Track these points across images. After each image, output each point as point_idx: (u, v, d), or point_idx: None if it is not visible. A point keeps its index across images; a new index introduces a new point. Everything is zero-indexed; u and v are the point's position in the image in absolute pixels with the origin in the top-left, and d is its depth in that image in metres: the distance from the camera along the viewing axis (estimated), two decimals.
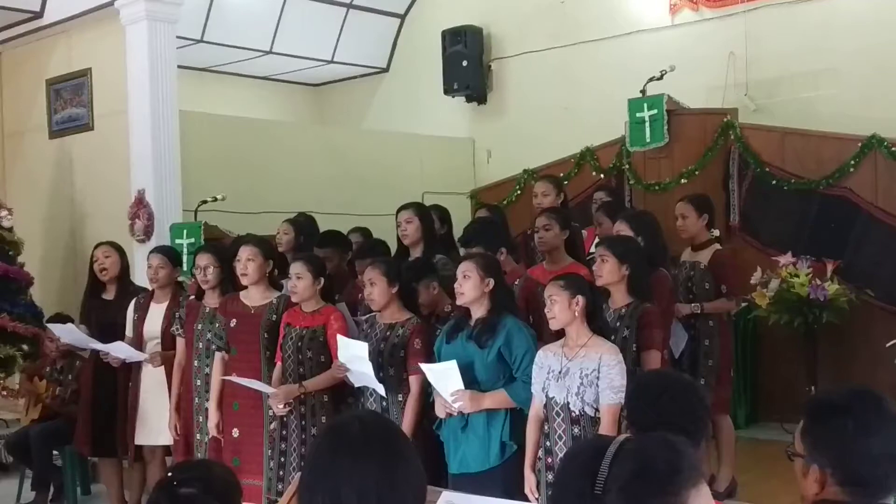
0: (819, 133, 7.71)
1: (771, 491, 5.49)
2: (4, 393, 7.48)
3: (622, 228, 4.97)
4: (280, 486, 4.60)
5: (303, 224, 6.36)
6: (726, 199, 7.79)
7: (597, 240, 5.96)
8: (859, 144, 7.33)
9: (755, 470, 5.95)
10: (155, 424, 5.57)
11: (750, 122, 8.13)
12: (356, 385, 4.54)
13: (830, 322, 6.80)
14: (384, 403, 4.48)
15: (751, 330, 7.49)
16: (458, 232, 6.33)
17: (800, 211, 7.60)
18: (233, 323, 4.92)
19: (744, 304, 6.75)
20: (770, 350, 7.56)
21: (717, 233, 6.00)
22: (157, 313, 5.60)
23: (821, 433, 2.06)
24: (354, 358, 4.38)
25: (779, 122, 8.08)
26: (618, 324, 4.23)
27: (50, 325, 6.11)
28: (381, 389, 4.38)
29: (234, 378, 4.73)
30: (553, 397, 3.87)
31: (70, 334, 5.78)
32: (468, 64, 10.26)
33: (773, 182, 7.70)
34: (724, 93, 8.66)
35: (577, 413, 3.80)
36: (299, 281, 4.68)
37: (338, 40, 11.04)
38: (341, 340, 4.49)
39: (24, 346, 7.43)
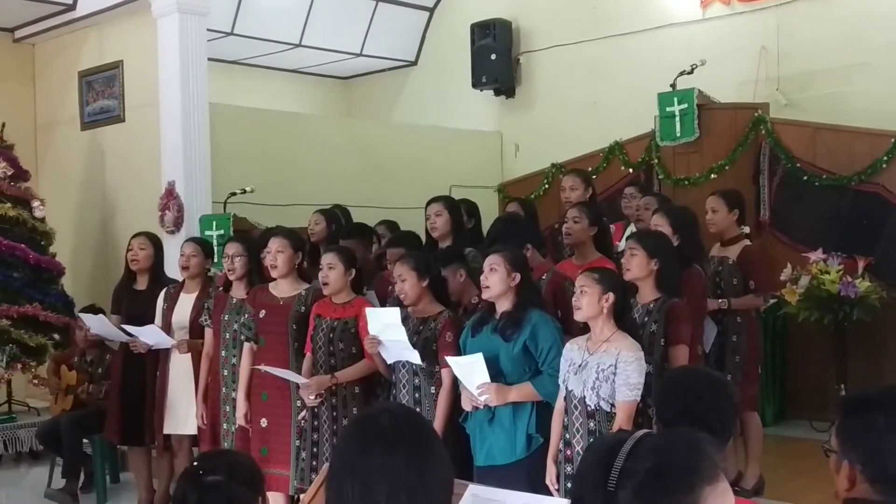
0: (851, 128, 7.63)
1: (799, 489, 5.46)
2: (35, 381, 7.57)
3: (660, 223, 4.92)
4: (313, 476, 4.62)
5: (334, 214, 6.39)
6: (756, 195, 7.74)
7: (628, 231, 5.96)
8: (893, 140, 7.24)
9: (783, 468, 5.92)
10: (182, 414, 5.63)
11: (781, 117, 8.06)
12: (389, 361, 4.53)
13: (861, 319, 6.72)
14: (416, 395, 4.49)
15: (780, 327, 7.43)
16: (485, 226, 6.36)
17: (831, 207, 7.53)
18: (262, 314, 4.95)
19: (773, 301, 6.70)
20: (799, 347, 7.50)
21: (747, 229, 5.96)
22: (186, 303, 5.66)
23: (852, 429, 2.04)
24: (386, 327, 4.38)
25: (810, 116, 8.00)
26: (646, 318, 4.22)
27: (81, 315, 6.18)
28: (416, 358, 4.35)
29: (268, 368, 4.76)
30: (571, 390, 3.89)
31: (100, 325, 5.84)
32: (497, 57, 10.23)
33: (805, 178, 7.63)
34: (756, 87, 8.59)
35: (593, 407, 3.81)
36: (331, 271, 4.70)
37: (367, 33, 11.05)
38: (370, 312, 4.50)
39: (55, 336, 7.51)
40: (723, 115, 7.91)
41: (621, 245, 5.71)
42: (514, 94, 10.51)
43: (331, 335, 4.71)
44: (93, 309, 6.51)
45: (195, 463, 2.42)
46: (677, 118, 7.67)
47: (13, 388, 7.77)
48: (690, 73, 7.73)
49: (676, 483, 1.48)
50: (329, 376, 4.63)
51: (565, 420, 3.93)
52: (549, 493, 3.80)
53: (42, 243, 7.66)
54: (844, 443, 2.04)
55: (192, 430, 5.57)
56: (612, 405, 3.77)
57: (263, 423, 4.90)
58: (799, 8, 8.54)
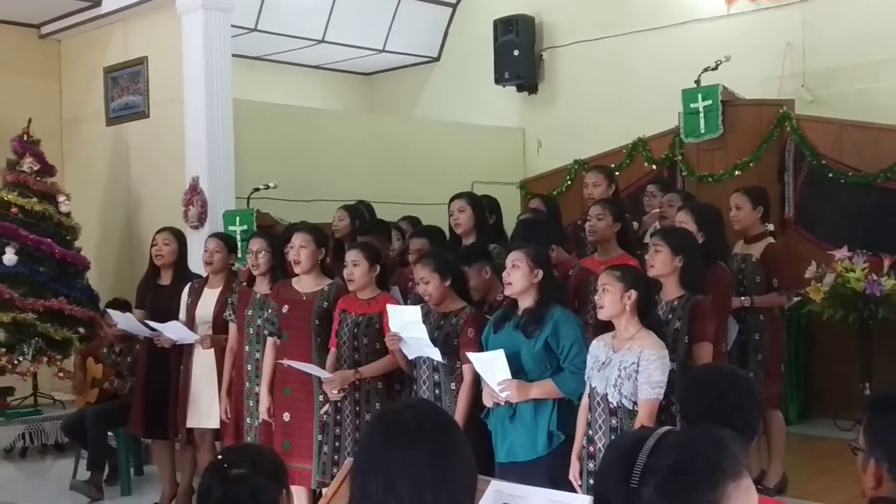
0: (878, 125, 7.57)
1: (822, 488, 5.43)
2: (61, 375, 7.65)
3: (685, 220, 4.91)
4: (335, 470, 4.65)
5: (358, 210, 6.41)
6: (781, 192, 7.69)
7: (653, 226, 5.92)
8: None
9: (806, 467, 5.89)
10: (205, 408, 5.66)
11: (806, 114, 8.01)
12: (410, 357, 4.54)
13: (886, 318, 6.67)
14: (437, 391, 4.49)
15: (804, 325, 7.39)
16: (507, 222, 6.36)
17: (857, 204, 7.47)
18: (285, 309, 4.97)
19: (797, 299, 6.67)
20: (824, 345, 7.46)
21: (771, 227, 5.94)
22: (210, 298, 5.69)
23: (880, 427, 2.03)
24: (407, 325, 4.40)
25: (836, 113, 7.95)
26: (669, 316, 4.21)
27: (109, 311, 6.23)
28: (436, 355, 4.37)
29: (291, 362, 4.78)
30: (595, 387, 3.88)
31: (126, 321, 5.88)
32: (520, 53, 10.23)
33: (830, 175, 7.58)
34: (781, 83, 8.53)
35: (615, 405, 3.80)
36: (356, 268, 4.71)
37: (389, 29, 11.08)
38: (392, 309, 4.51)
39: (81, 329, 7.59)
40: (747, 111, 7.87)
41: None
42: (536, 90, 10.51)
43: (355, 330, 4.72)
44: (118, 302, 6.55)
45: (220, 456, 2.44)
46: (701, 114, 7.63)
47: (39, 382, 7.86)
48: (715, 69, 7.69)
49: (700, 480, 1.47)
50: (352, 371, 4.65)
51: (588, 416, 3.93)
52: (571, 490, 3.80)
53: (68, 238, 7.75)
54: (871, 441, 2.03)
55: (215, 424, 5.60)
56: (634, 403, 3.76)
57: (286, 417, 4.93)
58: (824, 3, 8.48)
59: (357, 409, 4.70)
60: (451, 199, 5.70)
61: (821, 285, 6.74)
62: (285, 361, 4.82)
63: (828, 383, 7.36)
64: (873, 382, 6.68)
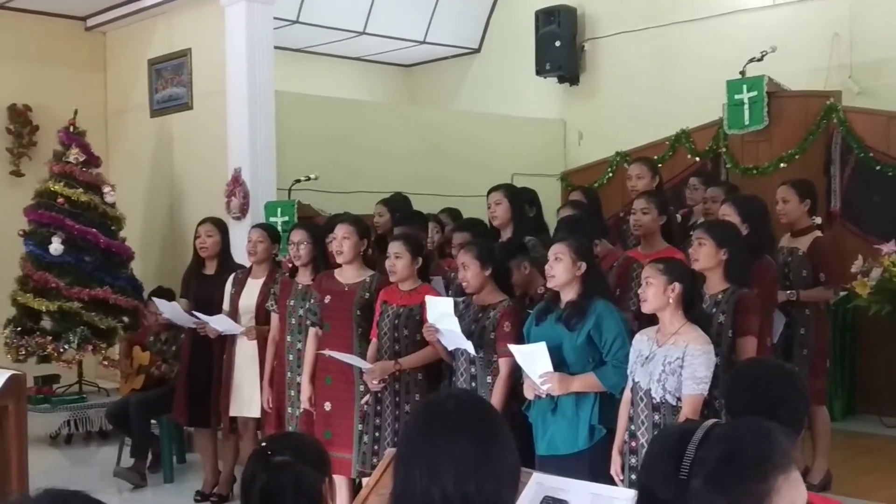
0: None
1: (867, 485, 5.36)
2: (105, 363, 7.74)
3: (729, 213, 4.86)
4: (375, 460, 4.66)
5: (397, 203, 6.42)
6: (827, 185, 7.58)
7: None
8: None
9: (851, 463, 5.82)
10: (248, 397, 5.71)
11: (853, 105, 7.88)
12: (449, 347, 4.55)
13: None
14: (473, 384, 4.49)
15: (850, 320, 7.28)
16: (547, 214, 6.34)
17: None
18: (327, 299, 5.00)
19: (843, 294, 6.57)
20: (869, 341, 7.33)
21: (818, 220, 5.85)
22: (253, 288, 5.74)
23: None
24: (442, 316, 4.41)
25: (884, 105, 7.82)
26: (714, 309, 4.16)
27: (155, 299, 6.29)
28: (470, 348, 4.37)
29: (332, 353, 4.81)
30: (638, 382, 3.86)
31: (172, 310, 5.94)
32: (561, 44, 10.16)
33: (877, 167, 7.46)
34: (827, 75, 8.40)
35: (658, 400, 3.77)
36: (398, 260, 4.72)
37: (430, 21, 11.06)
38: (429, 300, 4.53)
39: (125, 319, 7.66)
40: (793, 102, 7.76)
41: None
42: (578, 81, 10.44)
43: (396, 321, 4.74)
44: (162, 290, 6.61)
45: (263, 444, 2.46)
46: (746, 106, 7.54)
47: (83, 370, 7.94)
48: (760, 60, 7.59)
49: (749, 471, 1.47)
50: (393, 362, 4.66)
51: (631, 411, 3.90)
52: (612, 484, 3.79)
53: (112, 228, 7.82)
54: None
55: (257, 413, 5.65)
56: (678, 398, 3.73)
57: (327, 406, 4.96)
58: None
59: (397, 399, 4.72)
60: (489, 192, 5.70)
61: (867, 280, 6.61)
62: (327, 352, 4.84)
63: (873, 379, 7.26)
64: None
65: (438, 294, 4.82)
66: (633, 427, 3.89)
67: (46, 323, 7.48)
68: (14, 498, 1.36)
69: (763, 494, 1.46)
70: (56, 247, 7.43)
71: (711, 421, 1.58)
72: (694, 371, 3.68)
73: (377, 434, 4.73)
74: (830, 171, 7.65)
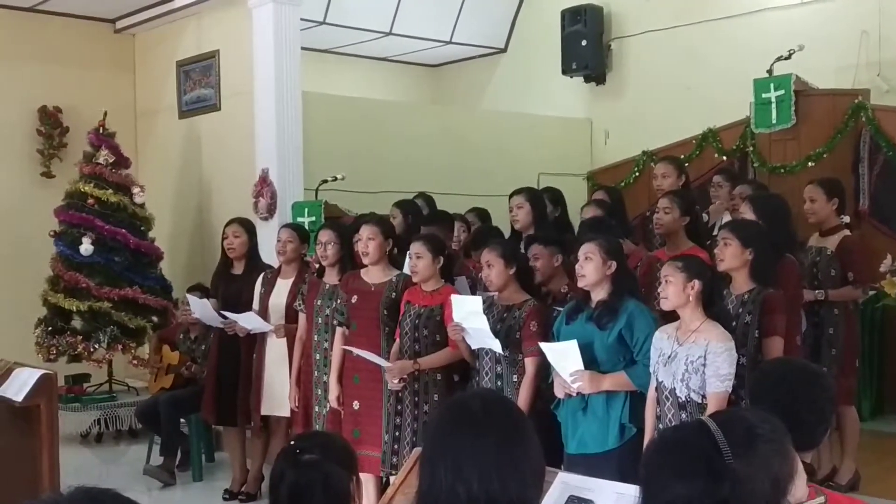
0: None
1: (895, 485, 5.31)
2: (135, 362, 7.80)
3: (745, 211, 4.85)
4: (395, 460, 4.70)
5: (412, 205, 6.43)
6: (855, 184, 7.52)
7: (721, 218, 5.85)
8: None
9: (880, 463, 5.78)
10: (278, 396, 5.75)
11: (882, 104, 7.80)
12: (474, 347, 4.55)
13: None
14: (498, 383, 4.50)
15: (879, 319, 7.22)
16: (572, 213, 6.33)
17: None
18: (353, 299, 5.02)
19: (872, 293, 6.51)
20: None
21: (847, 219, 5.81)
22: (283, 288, 5.78)
23: None
24: (469, 315, 4.41)
25: None
26: (740, 310, 4.16)
27: (188, 296, 6.32)
28: (497, 346, 4.38)
29: (355, 349, 4.84)
30: (662, 381, 3.85)
31: (202, 309, 5.99)
32: (587, 43, 10.14)
33: None
34: (856, 73, 8.33)
35: (684, 399, 3.77)
36: (419, 260, 4.74)
37: (456, 21, 11.07)
38: (455, 299, 4.53)
39: (154, 318, 7.71)
40: (821, 101, 7.70)
41: None
42: (604, 80, 10.41)
43: (416, 322, 4.76)
44: (200, 287, 6.63)
45: (292, 443, 2.49)
46: (773, 104, 7.48)
47: (113, 369, 8.00)
48: (788, 58, 7.54)
49: (777, 436, 1.56)
50: (412, 362, 4.68)
51: (658, 410, 3.90)
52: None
53: (142, 228, 7.85)
54: None
55: (288, 412, 5.69)
56: (703, 396, 3.73)
57: (356, 405, 4.98)
58: None
59: (416, 399, 4.74)
60: (511, 195, 5.72)
61: None
62: (351, 348, 4.87)
63: None
64: None
65: (460, 295, 4.82)
66: (661, 426, 3.88)
67: (77, 323, 7.53)
68: (46, 496, 1.37)
69: (791, 460, 1.54)
70: (86, 247, 7.48)
71: (699, 419, 1.64)
72: (717, 369, 3.67)
73: (397, 434, 4.75)
74: (859, 170, 7.58)
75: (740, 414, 1.57)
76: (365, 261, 5.03)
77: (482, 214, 6.60)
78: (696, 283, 3.76)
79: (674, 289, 3.78)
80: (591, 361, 4.07)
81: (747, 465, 1.48)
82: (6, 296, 8.32)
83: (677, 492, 1.53)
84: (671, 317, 3.94)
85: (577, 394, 4.10)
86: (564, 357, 4.07)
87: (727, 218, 5.88)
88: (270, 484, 2.40)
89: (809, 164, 7.48)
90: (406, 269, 4.94)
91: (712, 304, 3.82)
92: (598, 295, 4.15)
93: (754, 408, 2.84)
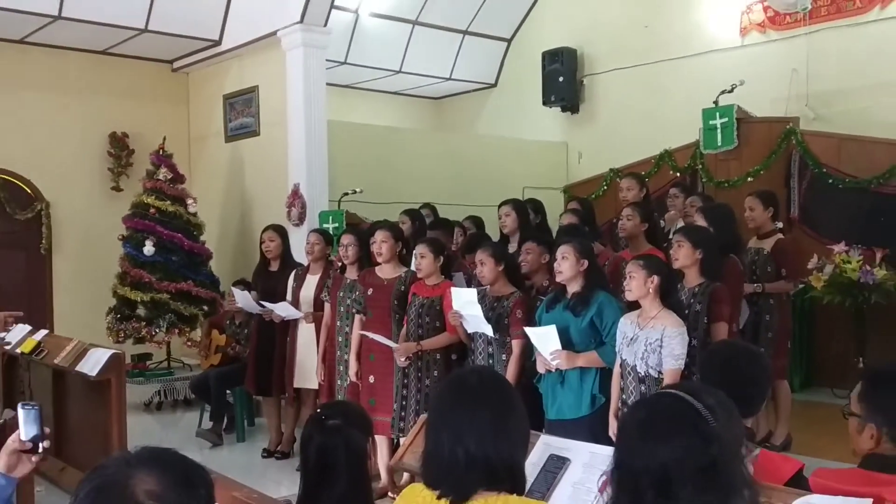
0: (872, 138, 7.35)
1: (822, 446, 5.28)
2: (189, 344, 7.80)
3: (698, 219, 4.84)
4: (402, 424, 4.70)
5: (417, 213, 6.44)
6: (787, 195, 7.51)
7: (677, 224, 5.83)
8: None
9: (808, 428, 5.75)
10: (308, 371, 5.74)
11: (810, 129, 7.80)
12: (470, 331, 4.55)
13: (878, 302, 6.50)
14: (490, 362, 4.49)
15: (807, 308, 7.22)
16: (552, 220, 6.31)
17: (853, 206, 7.27)
18: (369, 292, 5.02)
19: (801, 286, 6.51)
20: (824, 326, 7.27)
21: (780, 225, 5.80)
22: (311, 282, 5.77)
23: (877, 397, 1.99)
24: (466, 304, 4.41)
25: (836, 129, 7.73)
26: (691, 300, 4.14)
27: (233, 289, 6.31)
28: (489, 330, 4.39)
29: (368, 333, 4.84)
30: (625, 359, 3.85)
31: (244, 300, 5.98)
32: (564, 79, 10.13)
33: (830, 181, 7.39)
34: (787, 103, 8.31)
35: (643, 374, 3.76)
36: (423, 259, 4.74)
37: (455, 61, 11.07)
38: (454, 291, 4.53)
39: (204, 307, 7.72)
40: (759, 127, 7.70)
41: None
42: (578, 110, 10.39)
43: (420, 310, 4.76)
44: (242, 281, 6.63)
45: (318, 410, 2.48)
46: (719, 130, 7.49)
47: (171, 349, 8.03)
48: (731, 91, 7.53)
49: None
50: (415, 343, 4.68)
51: (622, 383, 3.89)
52: (609, 444, 3.77)
53: (194, 233, 7.86)
54: (869, 409, 1.99)
55: (316, 385, 5.67)
56: (660, 372, 3.72)
57: (371, 379, 4.98)
58: (825, 35, 8.24)
59: (420, 374, 4.74)
60: (500, 205, 5.72)
61: (822, 274, 6.57)
62: (365, 333, 4.87)
63: (827, 358, 7.19)
64: (866, 357, 6.51)
65: (458, 288, 4.80)
66: (624, 396, 3.88)
67: (141, 311, 7.54)
68: (118, 454, 1.36)
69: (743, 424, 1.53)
70: (149, 248, 7.50)
71: (665, 391, 1.57)
72: (672, 349, 3.67)
73: (404, 403, 4.75)
74: (790, 184, 7.57)
75: (697, 387, 1.54)
76: (379, 259, 5.03)
77: (477, 221, 6.58)
78: (655, 279, 3.75)
79: (636, 283, 3.77)
80: (567, 343, 4.06)
81: (727, 428, 1.45)
82: (83, 288, 8.34)
83: (667, 455, 1.44)
84: (634, 306, 3.93)
85: (556, 370, 4.09)
86: (545, 339, 4.06)
87: (680, 223, 5.87)
88: (301, 444, 2.38)
89: (749, 179, 7.48)
90: (413, 267, 4.93)
91: (668, 295, 3.81)
92: (573, 288, 4.14)
93: (703, 382, 2.83)
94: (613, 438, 3.82)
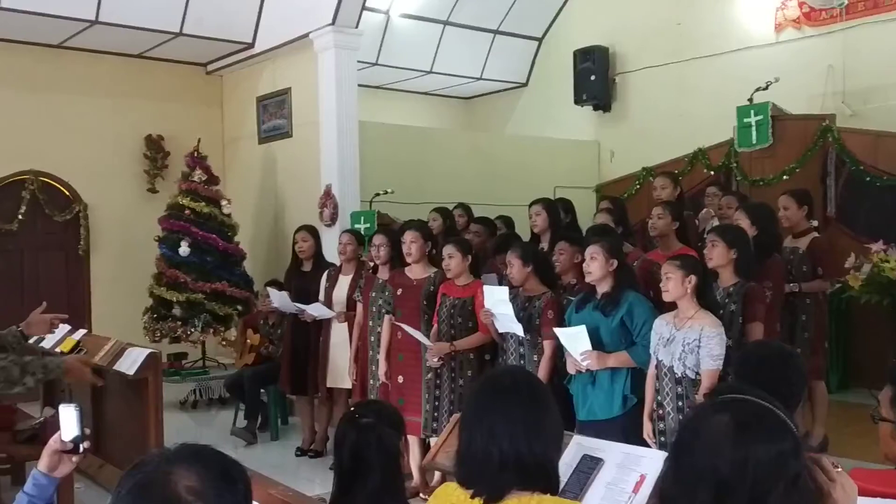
0: None
1: (859, 448, 5.19)
2: (223, 343, 7.87)
3: (740, 217, 4.78)
4: (434, 425, 4.71)
5: (447, 212, 6.47)
6: (824, 193, 7.41)
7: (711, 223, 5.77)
8: None
9: (845, 429, 5.66)
10: (341, 371, 5.77)
11: (846, 126, 7.68)
12: (500, 330, 4.55)
13: None
14: (521, 362, 4.48)
15: (844, 308, 7.12)
16: (584, 220, 6.29)
17: (891, 204, 7.16)
18: (399, 292, 5.04)
19: (838, 286, 6.41)
20: (861, 325, 7.15)
21: (815, 223, 5.72)
22: (344, 283, 5.80)
23: None
24: (498, 302, 4.42)
25: (872, 125, 7.61)
26: (726, 300, 4.10)
27: (269, 289, 6.36)
28: (519, 330, 4.38)
29: (404, 325, 4.82)
30: (661, 360, 3.82)
31: (280, 299, 6.02)
32: (595, 78, 10.08)
33: (867, 179, 7.27)
34: (823, 100, 8.20)
35: (680, 375, 3.73)
36: (451, 260, 4.76)
37: (486, 61, 11.06)
38: (487, 289, 4.54)
39: (239, 307, 7.78)
40: (794, 124, 7.60)
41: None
42: (610, 108, 10.33)
43: (452, 311, 4.76)
44: (275, 282, 6.69)
45: (352, 409, 2.51)
46: (753, 128, 7.41)
47: (206, 348, 8.09)
48: (765, 89, 7.44)
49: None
50: (448, 344, 4.69)
51: (657, 384, 3.87)
52: (641, 445, 3.75)
53: (228, 234, 7.92)
54: None
55: (349, 385, 5.71)
56: (697, 373, 3.69)
57: (400, 379, 4.98)
58: (863, 31, 8.10)
59: (453, 374, 4.74)
60: (530, 204, 5.71)
61: (859, 274, 6.46)
62: (402, 325, 4.84)
63: (864, 358, 7.07)
64: None
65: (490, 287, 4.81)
66: (659, 398, 3.85)
67: (177, 310, 7.60)
68: (158, 450, 1.38)
69: None
70: (184, 249, 7.57)
71: (738, 397, 1.48)
72: (710, 350, 3.64)
73: (437, 403, 4.76)
74: (826, 182, 7.47)
75: (762, 394, 1.46)
76: (408, 260, 5.04)
77: (507, 221, 6.59)
78: (693, 278, 3.73)
79: (674, 283, 3.75)
80: (597, 343, 4.05)
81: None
82: (121, 289, 8.45)
83: (766, 454, 1.36)
84: (664, 306, 3.91)
85: (586, 370, 4.08)
86: (575, 340, 4.05)
87: (715, 222, 5.81)
88: (335, 442, 2.40)
89: (784, 177, 7.39)
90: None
91: (703, 295, 3.78)
92: (603, 288, 4.13)
93: (738, 383, 2.80)
94: (648, 440, 3.82)
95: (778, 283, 4.58)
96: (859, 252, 6.63)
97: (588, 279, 4.17)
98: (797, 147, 7.50)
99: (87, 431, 2.02)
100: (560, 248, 4.77)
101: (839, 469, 1.46)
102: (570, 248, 4.73)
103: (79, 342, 5.40)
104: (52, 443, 1.98)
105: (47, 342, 5.38)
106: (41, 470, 1.96)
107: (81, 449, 1.99)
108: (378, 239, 5.37)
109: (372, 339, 5.35)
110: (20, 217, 8.27)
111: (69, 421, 1.98)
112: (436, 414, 4.74)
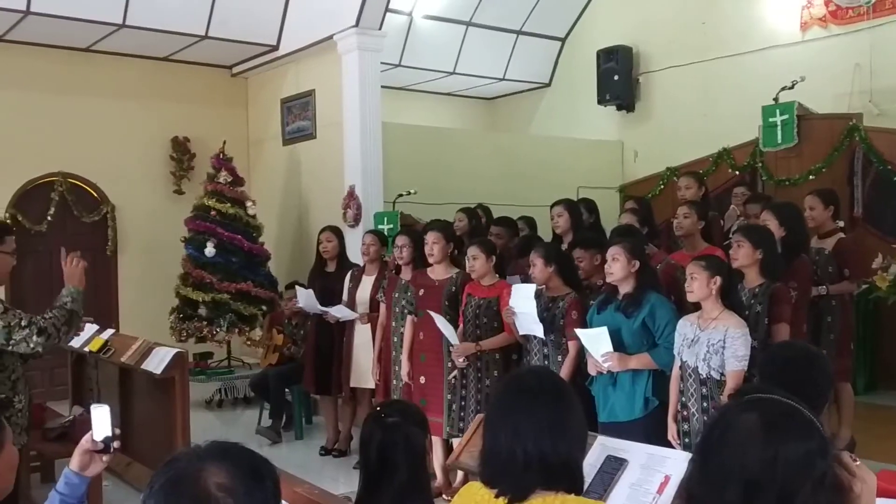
0: None
1: (886, 450, 5.16)
2: (248, 342, 7.93)
3: (768, 218, 4.73)
4: (461, 424, 4.71)
5: (474, 212, 6.48)
6: (850, 193, 7.32)
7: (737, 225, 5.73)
8: None
9: (872, 431, 5.61)
10: (365, 371, 5.80)
11: (874, 126, 7.58)
12: (521, 332, 4.55)
13: None
14: (545, 362, 4.48)
15: (871, 309, 7.01)
16: (608, 220, 6.27)
17: None
18: (421, 292, 5.05)
19: (865, 286, 6.33)
20: (889, 327, 7.06)
21: (841, 223, 5.66)
22: (367, 283, 5.82)
23: None
24: (524, 300, 4.42)
25: None
26: (752, 301, 4.07)
27: (297, 288, 6.38)
28: (540, 331, 4.39)
29: (434, 314, 4.78)
30: (686, 361, 3.80)
31: (306, 299, 6.04)
32: (619, 78, 10.04)
33: (895, 178, 7.16)
34: (850, 99, 8.10)
35: (705, 376, 3.71)
36: (475, 261, 4.76)
37: (508, 61, 11.05)
38: (515, 286, 4.55)
39: (263, 307, 7.82)
40: (820, 124, 7.53)
41: None
42: (633, 108, 10.29)
43: (477, 311, 4.77)
44: (298, 284, 6.73)
45: (378, 408, 2.52)
46: (779, 127, 7.35)
47: (231, 348, 8.13)
48: (791, 88, 7.38)
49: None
50: (474, 344, 4.69)
51: (681, 386, 3.85)
52: (665, 446, 3.73)
53: (253, 235, 7.97)
54: None
55: (372, 385, 5.73)
56: (721, 374, 3.67)
57: (422, 380, 4.99)
58: (891, 29, 8.00)
59: (479, 374, 4.75)
60: (552, 205, 5.71)
61: (886, 274, 6.38)
62: (434, 314, 4.80)
63: (892, 359, 7.00)
64: None
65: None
66: (683, 399, 3.83)
67: (202, 310, 7.66)
68: (189, 447, 1.41)
69: None
70: (210, 250, 7.62)
71: (767, 397, 1.46)
72: (735, 350, 3.62)
73: (463, 403, 4.77)
74: (853, 182, 7.38)
75: (787, 395, 1.46)
76: (430, 261, 5.04)
77: (530, 221, 6.58)
78: (718, 279, 3.71)
79: (699, 284, 3.73)
80: (618, 345, 4.03)
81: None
82: (147, 289, 8.54)
83: (795, 453, 1.35)
84: (688, 306, 3.89)
85: (608, 372, 4.07)
86: (597, 341, 4.04)
87: (742, 221, 5.77)
88: (361, 442, 2.42)
89: (810, 177, 7.32)
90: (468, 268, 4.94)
91: (728, 295, 3.76)
92: (625, 289, 4.12)
93: (763, 384, 2.79)
94: (672, 441, 3.80)
95: (804, 284, 4.54)
96: (886, 252, 6.55)
97: (609, 280, 4.16)
98: (823, 147, 7.42)
99: (118, 431, 2.05)
100: (578, 257, 4.78)
101: (858, 462, 1.45)
102: (586, 252, 4.74)
103: (107, 341, 5.48)
104: (84, 442, 2.01)
105: (76, 342, 5.46)
106: (73, 469, 2.00)
107: (112, 449, 2.02)
108: (401, 240, 5.38)
109: (395, 339, 5.37)
110: (49, 218, 8.39)
111: (101, 421, 2.01)
112: (462, 414, 4.75)
